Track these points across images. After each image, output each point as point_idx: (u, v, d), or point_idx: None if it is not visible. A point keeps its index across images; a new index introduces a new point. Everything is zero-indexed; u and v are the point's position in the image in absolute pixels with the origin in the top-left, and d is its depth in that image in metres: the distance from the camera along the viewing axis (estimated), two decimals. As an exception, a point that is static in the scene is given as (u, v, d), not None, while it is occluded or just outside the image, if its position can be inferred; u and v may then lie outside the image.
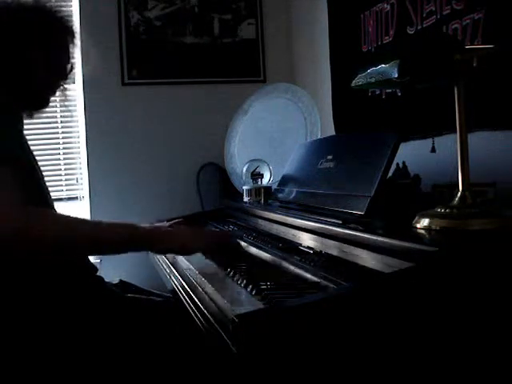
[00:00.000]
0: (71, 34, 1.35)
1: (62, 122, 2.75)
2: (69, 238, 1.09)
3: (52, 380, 1.10)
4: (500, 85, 1.41)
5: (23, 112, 1.33)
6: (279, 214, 1.54)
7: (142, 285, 1.55)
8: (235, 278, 1.17)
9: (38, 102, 1.35)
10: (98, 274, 1.38)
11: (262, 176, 2.03)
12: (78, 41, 1.39)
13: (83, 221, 1.20)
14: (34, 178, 1.23)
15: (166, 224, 1.72)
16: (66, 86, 1.41)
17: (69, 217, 1.16)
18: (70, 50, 1.37)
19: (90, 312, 1.20)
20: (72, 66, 1.39)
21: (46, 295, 1.16)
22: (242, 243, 1.54)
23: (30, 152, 1.29)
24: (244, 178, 2.10)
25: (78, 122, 2.75)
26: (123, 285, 1.50)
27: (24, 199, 1.07)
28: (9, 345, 1.09)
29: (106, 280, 1.45)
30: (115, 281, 1.52)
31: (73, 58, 1.38)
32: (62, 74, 1.36)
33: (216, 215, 2.13)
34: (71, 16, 2.68)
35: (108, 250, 1.23)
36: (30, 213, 1.05)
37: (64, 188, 2.74)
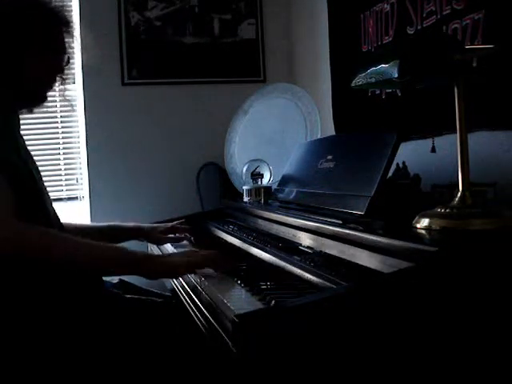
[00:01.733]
0: (65, 24, 1.31)
1: (62, 122, 2.75)
2: (54, 259, 1.09)
3: (51, 381, 1.09)
4: (500, 85, 1.40)
5: (21, 109, 1.30)
6: (279, 213, 1.54)
7: (141, 285, 1.55)
8: (235, 278, 1.17)
9: (35, 98, 1.31)
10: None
11: (262, 176, 2.03)
12: (74, 30, 1.34)
13: (75, 242, 1.17)
14: (31, 182, 1.21)
15: (169, 225, 1.73)
16: (64, 78, 1.36)
17: (58, 236, 1.15)
18: (66, 40, 1.32)
19: (88, 313, 1.20)
20: (68, 58, 1.34)
21: (44, 296, 1.16)
22: (241, 244, 1.54)
23: (27, 153, 1.28)
24: (244, 177, 2.10)
25: (78, 122, 2.75)
26: (123, 284, 1.50)
27: (17, 209, 1.07)
28: (6, 345, 1.09)
29: (106, 279, 1.45)
30: (115, 280, 1.52)
31: (69, 48, 1.34)
32: (58, 66, 1.32)
33: (216, 215, 2.13)
34: (70, 12, 2.68)
35: (95, 270, 1.25)
36: (18, 228, 1.06)
37: (64, 188, 2.74)
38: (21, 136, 1.29)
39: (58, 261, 1.10)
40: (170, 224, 1.74)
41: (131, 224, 1.69)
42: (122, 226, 1.68)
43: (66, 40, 1.33)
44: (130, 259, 1.16)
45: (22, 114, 1.32)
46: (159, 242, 1.76)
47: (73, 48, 1.34)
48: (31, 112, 1.34)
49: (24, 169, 1.18)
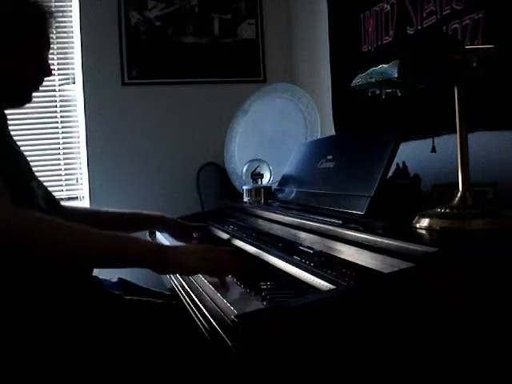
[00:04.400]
0: (51, 16, 1.27)
1: (62, 122, 2.75)
2: (49, 244, 1.01)
3: (51, 382, 1.09)
4: (500, 85, 1.40)
5: (5, 108, 1.28)
6: (279, 213, 1.54)
7: (141, 283, 1.55)
8: (235, 278, 1.17)
9: (21, 96, 1.28)
10: (96, 273, 1.37)
11: (261, 176, 2.03)
12: (55, 23, 1.30)
13: (71, 228, 1.08)
14: (18, 181, 1.18)
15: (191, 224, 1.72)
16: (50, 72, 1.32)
17: (53, 221, 1.06)
18: (48, 34, 1.29)
19: (88, 315, 1.19)
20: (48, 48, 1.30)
21: (43, 298, 1.15)
22: (241, 244, 1.54)
23: (18, 152, 1.26)
24: (244, 177, 2.10)
25: (78, 122, 2.75)
26: (122, 283, 1.50)
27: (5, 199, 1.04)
28: (6, 348, 1.08)
29: (105, 279, 1.45)
30: (114, 279, 1.52)
31: (50, 42, 1.30)
32: (42, 63, 1.28)
33: (216, 215, 2.13)
34: (70, 12, 2.69)
35: (95, 262, 1.15)
36: (15, 212, 1.00)
37: (64, 188, 2.74)
38: (10, 136, 1.27)
39: (53, 248, 1.02)
40: (192, 224, 1.73)
41: (154, 213, 1.67)
42: (145, 214, 1.66)
43: (49, 33, 1.30)
44: (137, 250, 1.07)
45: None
46: (182, 239, 1.69)
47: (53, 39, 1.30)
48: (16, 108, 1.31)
49: (8, 167, 1.16)
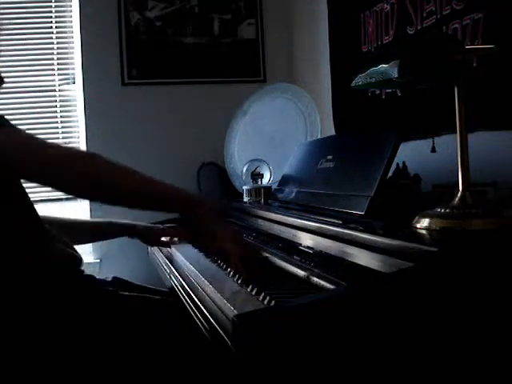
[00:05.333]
0: None
1: (62, 122, 2.75)
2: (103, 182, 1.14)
3: (48, 381, 1.09)
4: (500, 85, 1.40)
5: None
6: (279, 213, 1.54)
7: (136, 281, 1.56)
8: (235, 278, 1.17)
9: None
10: (96, 273, 1.37)
11: (261, 176, 2.03)
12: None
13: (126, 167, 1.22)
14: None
15: (161, 227, 1.75)
16: None
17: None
18: None
19: (84, 312, 1.19)
20: None
21: (36, 296, 1.14)
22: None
23: None
24: (244, 177, 2.10)
25: (78, 122, 2.75)
26: (117, 282, 1.50)
27: None
28: (3, 347, 1.08)
29: (100, 277, 1.45)
30: (108, 278, 1.53)
31: None
32: None
33: (216, 215, 2.12)
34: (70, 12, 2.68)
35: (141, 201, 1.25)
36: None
37: (64, 188, 2.74)
38: None
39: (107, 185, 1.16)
40: (162, 227, 1.76)
41: (126, 222, 1.72)
42: (117, 223, 1.71)
43: None
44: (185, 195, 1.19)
45: None
46: (152, 244, 1.79)
47: None
48: None
49: None
